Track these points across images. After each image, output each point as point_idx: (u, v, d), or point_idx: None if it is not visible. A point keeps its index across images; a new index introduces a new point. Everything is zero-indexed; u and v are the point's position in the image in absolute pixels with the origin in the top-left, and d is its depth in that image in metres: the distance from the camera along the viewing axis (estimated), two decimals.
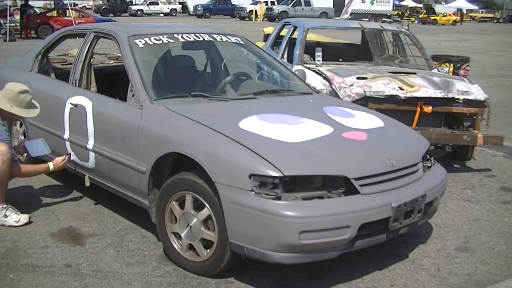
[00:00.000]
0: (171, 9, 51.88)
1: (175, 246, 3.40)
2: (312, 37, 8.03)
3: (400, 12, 50.97)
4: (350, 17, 39.72)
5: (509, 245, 3.90)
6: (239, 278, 3.27)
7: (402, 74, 5.86)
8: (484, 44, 25.54)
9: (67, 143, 4.35)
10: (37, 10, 28.04)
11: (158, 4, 51.23)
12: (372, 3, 44.91)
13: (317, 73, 5.89)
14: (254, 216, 2.91)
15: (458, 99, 5.39)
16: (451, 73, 8.26)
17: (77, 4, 45.39)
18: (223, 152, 3.10)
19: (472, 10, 66.83)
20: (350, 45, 8.76)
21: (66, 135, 4.37)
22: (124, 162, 3.73)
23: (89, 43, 4.49)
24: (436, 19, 48.56)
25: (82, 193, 4.65)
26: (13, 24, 22.51)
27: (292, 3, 43.40)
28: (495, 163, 5.99)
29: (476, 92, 5.49)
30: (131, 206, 3.93)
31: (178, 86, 4.30)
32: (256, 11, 45.32)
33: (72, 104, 4.28)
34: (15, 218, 4.02)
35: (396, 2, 54.05)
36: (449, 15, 51.41)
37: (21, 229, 3.96)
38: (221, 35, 4.72)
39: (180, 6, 54.10)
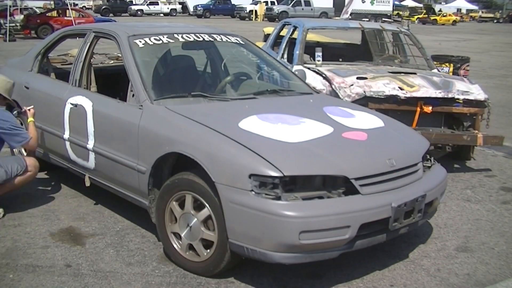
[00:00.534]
0: (171, 9, 51.88)
1: (175, 246, 3.40)
2: (312, 37, 8.03)
3: (400, 12, 50.98)
4: (350, 17, 39.71)
5: (509, 245, 3.90)
6: (239, 278, 3.27)
7: (402, 74, 5.86)
8: (484, 44, 25.54)
9: (67, 143, 4.35)
10: (37, 10, 28.04)
11: (158, 4, 51.22)
12: (372, 3, 44.90)
13: (317, 73, 5.89)
14: (254, 216, 2.91)
15: (458, 99, 5.39)
16: (451, 73, 8.26)
17: (77, 4, 45.34)
18: (223, 152, 3.10)
19: (472, 10, 66.87)
20: (350, 45, 8.76)
21: (66, 135, 4.37)
22: (124, 162, 3.73)
23: (89, 43, 4.49)
24: (436, 19, 48.55)
25: (82, 193, 4.65)
26: (13, 24, 22.50)
27: (292, 3, 43.40)
28: (495, 163, 5.99)
29: (476, 92, 5.49)
30: (131, 206, 3.94)
31: (178, 86, 4.30)
32: (256, 11, 45.32)
33: (72, 104, 4.28)
34: None
35: (396, 2, 54.04)
36: (449, 15, 51.40)
37: (21, 229, 3.96)
38: (221, 35, 4.72)
39: (180, 6, 54.09)
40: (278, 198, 2.91)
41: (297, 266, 3.20)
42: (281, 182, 2.93)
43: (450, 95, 5.37)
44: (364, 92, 5.24)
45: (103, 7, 48.88)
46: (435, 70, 6.71)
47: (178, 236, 3.39)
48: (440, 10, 53.99)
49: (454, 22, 49.21)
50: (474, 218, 4.38)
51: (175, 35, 4.38)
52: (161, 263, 3.47)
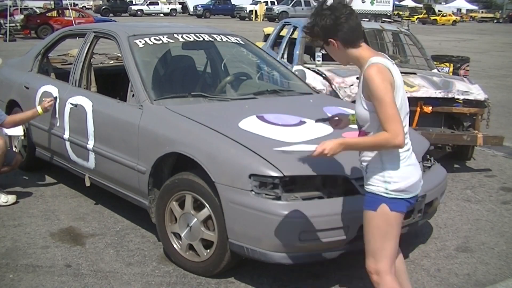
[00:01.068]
0: (171, 9, 51.88)
1: (175, 246, 3.40)
2: None
3: (400, 12, 50.99)
4: None
5: (509, 245, 3.90)
6: (239, 278, 3.27)
7: (402, 74, 5.83)
8: (484, 44, 25.55)
9: (67, 143, 4.35)
10: (37, 10, 28.04)
11: (158, 4, 51.22)
12: (372, 3, 44.88)
13: (317, 73, 5.89)
14: (254, 216, 2.91)
15: (458, 99, 5.39)
16: (451, 73, 8.26)
17: (77, 4, 45.37)
18: (223, 152, 3.10)
19: (472, 10, 66.86)
20: None
21: (66, 135, 4.37)
22: (124, 162, 3.73)
23: (89, 43, 4.49)
24: (436, 19, 48.55)
25: (82, 193, 4.65)
26: (13, 24, 22.50)
27: (292, 3, 43.39)
28: (495, 163, 5.99)
29: (476, 92, 5.49)
30: (131, 206, 3.93)
31: (178, 86, 4.30)
32: (256, 11, 45.31)
33: (72, 104, 4.28)
34: (3, 199, 4.34)
35: (396, 2, 54.04)
36: (449, 15, 51.42)
37: (21, 229, 3.96)
38: (221, 35, 4.72)
39: (180, 6, 54.10)
40: (278, 198, 2.91)
41: (297, 266, 3.20)
42: (281, 182, 2.93)
43: (450, 95, 5.37)
44: None
45: (103, 7, 48.88)
46: (435, 70, 6.71)
47: (178, 236, 3.39)
48: (440, 10, 53.99)
49: (454, 22, 49.21)
50: (474, 218, 4.38)
51: (175, 35, 4.38)
52: (161, 263, 3.47)
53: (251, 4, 47.89)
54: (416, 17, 49.91)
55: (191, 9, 51.26)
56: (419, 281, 3.35)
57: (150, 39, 4.21)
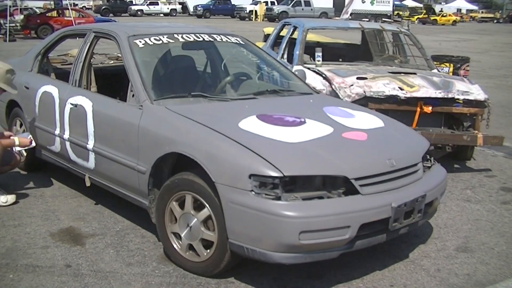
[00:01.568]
0: (171, 9, 51.87)
1: (175, 246, 3.40)
2: (312, 37, 8.03)
3: (400, 12, 50.98)
4: (350, 17, 39.68)
5: (509, 245, 3.90)
6: (239, 278, 3.27)
7: (402, 74, 5.86)
8: (484, 44, 25.54)
9: (67, 143, 4.35)
10: (37, 10, 28.04)
11: (158, 4, 51.22)
12: (372, 3, 44.89)
13: (317, 73, 5.89)
14: (254, 216, 2.91)
15: (458, 99, 5.39)
16: (451, 73, 8.26)
17: (77, 4, 45.36)
18: (223, 152, 3.10)
19: (472, 10, 66.86)
20: (350, 45, 8.76)
21: (66, 135, 4.37)
22: (124, 162, 3.73)
23: (89, 43, 4.49)
24: (436, 19, 48.55)
25: (82, 193, 4.65)
26: (13, 24, 22.50)
27: (292, 3, 43.39)
28: (495, 163, 6.00)
29: (476, 92, 5.49)
30: (131, 206, 3.93)
31: (178, 86, 4.29)
32: (256, 11, 45.31)
33: (72, 104, 4.28)
34: (3, 199, 4.34)
35: (397, 2, 54.02)
36: (449, 15, 51.41)
37: (21, 229, 3.96)
38: (221, 35, 4.72)
39: (180, 6, 54.10)
40: (278, 198, 2.91)
41: (297, 266, 3.20)
42: (281, 182, 2.93)
43: (450, 95, 5.37)
44: (364, 92, 5.24)
45: (103, 7, 48.88)
46: (435, 70, 6.71)
47: (178, 236, 3.39)
48: (441, 10, 53.96)
49: (454, 22, 49.21)
50: (474, 218, 4.38)
51: (175, 35, 4.38)
52: (161, 263, 3.47)
53: (251, 4, 47.89)
54: (416, 17, 49.91)
55: (191, 9, 51.26)
56: (419, 281, 3.35)
57: (150, 39, 4.21)
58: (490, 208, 4.63)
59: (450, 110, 5.44)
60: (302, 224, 2.86)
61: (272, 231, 2.88)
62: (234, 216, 2.99)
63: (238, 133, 3.24)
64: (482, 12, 67.53)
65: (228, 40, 4.76)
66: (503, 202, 4.79)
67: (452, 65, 8.64)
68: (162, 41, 4.27)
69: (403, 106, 5.30)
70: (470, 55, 10.30)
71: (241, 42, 4.80)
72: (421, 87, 5.41)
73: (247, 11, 46.28)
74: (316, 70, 5.97)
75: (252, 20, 44.08)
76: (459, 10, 64.11)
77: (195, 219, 3.25)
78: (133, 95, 3.82)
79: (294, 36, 7.05)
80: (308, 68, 6.14)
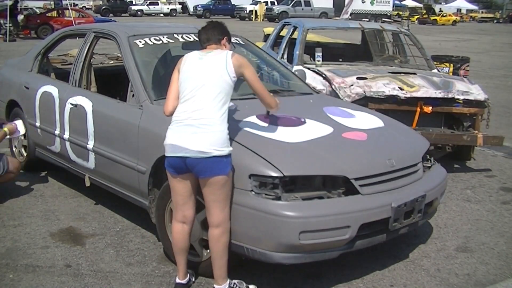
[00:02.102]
0: (171, 9, 51.84)
1: None
2: (312, 37, 8.03)
3: (400, 12, 50.98)
4: (350, 17, 39.68)
5: (509, 245, 3.90)
6: (239, 278, 3.27)
7: (402, 74, 5.86)
8: (484, 44, 25.54)
9: (67, 143, 4.35)
10: (37, 10, 28.03)
11: (158, 4, 51.19)
12: (372, 3, 44.87)
13: (317, 73, 5.89)
14: (254, 216, 2.91)
15: (458, 99, 5.39)
16: (451, 73, 8.26)
17: (77, 4, 45.34)
18: None
19: (472, 10, 66.86)
20: (350, 45, 8.76)
21: (66, 135, 4.37)
22: (124, 162, 3.73)
23: (89, 43, 4.49)
24: (436, 19, 48.55)
25: (82, 193, 4.65)
26: (10, 24, 22.46)
27: (292, 3, 43.38)
28: (495, 163, 5.99)
29: (476, 92, 5.49)
30: (131, 206, 3.93)
31: None
32: (256, 11, 45.29)
33: (72, 104, 4.28)
34: None
35: (397, 2, 54.02)
36: (449, 15, 51.40)
37: (21, 229, 3.96)
38: None
39: (180, 6, 54.05)
40: (278, 198, 2.91)
41: (297, 266, 3.19)
42: (281, 182, 2.93)
43: (450, 95, 5.37)
44: (364, 92, 5.24)
45: (103, 7, 48.85)
46: (435, 70, 6.71)
47: None
48: (440, 10, 53.99)
49: (454, 22, 49.20)
50: (474, 218, 4.38)
51: (175, 35, 4.37)
52: (161, 263, 3.47)
53: (251, 4, 47.87)
54: (416, 17, 49.90)
55: (191, 9, 51.22)
56: (419, 281, 3.35)
57: (150, 39, 4.20)
58: (490, 208, 4.63)
59: (450, 110, 5.44)
60: (302, 224, 2.86)
61: (272, 231, 2.88)
62: (234, 216, 2.99)
63: (238, 133, 3.24)
64: (482, 12, 67.52)
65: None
66: (503, 202, 4.79)
67: (452, 65, 8.64)
68: (162, 41, 4.27)
69: (403, 106, 5.30)
70: (470, 55, 10.30)
71: (241, 42, 4.79)
72: (421, 87, 5.41)
73: (247, 11, 46.26)
74: (316, 70, 5.97)
75: (252, 20, 44.07)
76: (459, 10, 64.11)
77: (195, 219, 3.25)
78: (133, 95, 3.82)
79: (294, 36, 7.05)
80: (308, 68, 6.14)
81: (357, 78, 5.53)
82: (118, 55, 5.88)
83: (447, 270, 3.49)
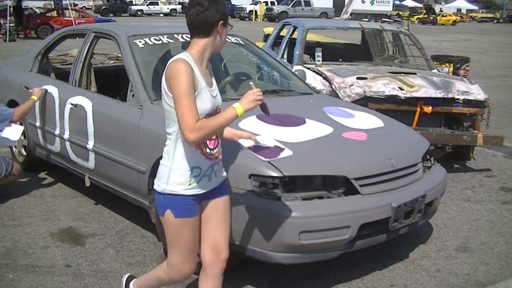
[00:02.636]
0: (171, 9, 51.85)
1: None
2: (312, 37, 8.04)
3: (400, 12, 50.98)
4: (350, 17, 39.65)
5: (509, 245, 3.90)
6: (239, 278, 3.27)
7: (402, 74, 5.86)
8: (484, 44, 25.54)
9: (67, 143, 4.35)
10: (37, 10, 28.03)
11: (158, 4, 51.20)
12: (372, 3, 44.86)
13: (317, 73, 5.89)
14: (254, 216, 2.91)
15: (458, 99, 5.39)
16: (451, 73, 8.26)
17: (77, 4, 45.35)
18: (222, 152, 3.09)
19: (472, 10, 66.87)
20: (350, 45, 8.77)
21: (66, 135, 4.37)
22: (124, 162, 3.73)
23: (89, 43, 4.49)
24: (436, 19, 48.54)
25: (82, 193, 4.65)
26: (13, 24, 22.48)
27: (292, 3, 43.38)
28: (495, 163, 5.99)
29: (476, 92, 5.49)
30: (131, 206, 3.93)
31: None
32: (256, 11, 45.30)
33: (72, 104, 4.28)
34: None
35: (397, 2, 54.01)
36: (449, 15, 51.40)
37: (21, 229, 3.96)
38: None
39: (180, 6, 54.03)
40: (278, 198, 2.91)
41: (297, 266, 3.20)
42: (281, 182, 2.93)
43: (450, 95, 5.37)
44: (364, 92, 5.24)
45: (103, 7, 48.86)
46: (435, 70, 6.71)
47: None
48: (440, 10, 54.02)
49: (454, 22, 49.19)
50: (474, 218, 4.38)
51: (175, 35, 4.37)
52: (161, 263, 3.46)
53: (251, 4, 47.88)
54: (416, 17, 49.89)
55: None
56: (419, 281, 3.35)
57: (150, 39, 4.20)
58: (490, 208, 4.63)
59: (450, 110, 5.44)
60: (302, 224, 2.86)
61: (272, 231, 2.88)
62: (234, 216, 2.98)
63: None
64: (482, 12, 67.52)
65: (228, 40, 4.75)
66: (503, 202, 4.79)
67: (452, 65, 8.64)
68: (162, 41, 4.27)
69: (403, 106, 5.30)
70: (470, 55, 10.30)
71: (241, 42, 4.79)
72: (421, 87, 5.41)
73: (247, 11, 46.26)
74: (316, 70, 5.97)
75: (252, 20, 44.07)
76: (459, 10, 64.12)
77: None
78: (133, 95, 3.82)
79: (294, 36, 7.05)
80: (308, 68, 6.14)
81: (357, 78, 5.53)
82: (118, 55, 5.88)
83: (447, 270, 3.49)
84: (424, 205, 3.34)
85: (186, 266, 2.53)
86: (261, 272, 3.33)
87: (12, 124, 4.53)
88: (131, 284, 2.80)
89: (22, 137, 5.10)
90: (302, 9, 43.05)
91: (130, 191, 3.80)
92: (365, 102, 5.13)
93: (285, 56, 7.06)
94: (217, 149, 2.49)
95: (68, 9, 24.23)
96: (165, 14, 50.44)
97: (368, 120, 3.84)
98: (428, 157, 3.77)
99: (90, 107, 4.10)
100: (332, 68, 6.09)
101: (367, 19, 33.94)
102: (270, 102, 4.03)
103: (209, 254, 2.52)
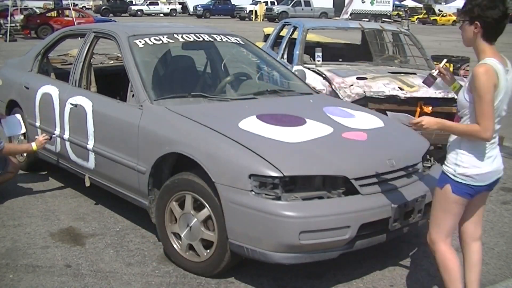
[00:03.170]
0: (171, 9, 51.84)
1: (175, 246, 3.40)
2: (312, 37, 8.03)
3: (400, 12, 50.97)
4: (350, 17, 39.66)
5: (509, 245, 3.90)
6: (239, 278, 3.27)
7: (402, 74, 5.86)
8: None
9: (67, 143, 4.35)
10: (37, 10, 28.04)
11: (158, 4, 51.20)
12: (372, 3, 44.86)
13: (317, 73, 5.89)
14: (254, 216, 2.91)
15: None
16: None
17: (77, 4, 45.34)
18: (223, 152, 3.10)
19: None
20: (350, 45, 8.76)
21: (66, 135, 4.37)
22: (124, 162, 3.73)
23: (89, 43, 4.49)
24: (436, 19, 48.55)
25: (82, 193, 4.65)
26: (13, 24, 22.49)
27: (292, 3, 43.38)
28: None
29: None
30: (131, 206, 3.93)
31: (178, 86, 4.29)
32: (256, 11, 45.28)
33: (72, 104, 4.28)
34: None
35: (397, 2, 54.00)
36: (449, 15, 51.40)
37: (21, 229, 3.96)
38: (221, 35, 4.72)
39: (180, 6, 54.06)
40: (278, 198, 2.91)
41: (297, 266, 3.19)
42: (281, 182, 2.93)
43: (450, 95, 5.36)
44: (364, 92, 5.25)
45: (103, 7, 48.86)
46: None
47: (178, 236, 3.39)
48: (440, 10, 54.02)
49: (454, 22, 49.19)
50: None
51: (175, 35, 4.38)
52: (161, 263, 3.47)
53: (251, 4, 47.85)
54: (416, 17, 49.89)
55: (191, 9, 51.21)
56: (419, 281, 3.35)
57: (150, 39, 4.21)
58: (490, 208, 4.63)
59: (450, 110, 5.44)
60: (302, 224, 2.86)
61: (272, 231, 2.88)
62: (234, 216, 2.99)
63: (238, 133, 3.24)
64: None
65: (228, 40, 4.76)
66: (503, 202, 4.79)
67: (452, 65, 8.64)
68: (162, 41, 4.27)
69: (403, 106, 5.30)
70: (470, 55, 10.26)
71: (241, 42, 4.80)
72: (421, 87, 5.41)
73: (247, 11, 46.24)
74: (316, 70, 5.97)
75: (252, 20, 44.06)
76: (459, 10, 64.07)
77: (195, 219, 3.25)
78: (133, 95, 3.82)
79: (294, 36, 7.04)
80: (308, 68, 6.14)
81: (357, 78, 5.53)
82: (118, 55, 5.88)
83: None
84: (424, 205, 3.34)
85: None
86: (261, 272, 3.33)
87: (7, 117, 4.63)
88: None
89: (22, 137, 5.10)
90: (302, 9, 43.05)
91: (130, 191, 3.80)
92: (365, 102, 5.14)
93: (285, 56, 7.05)
94: None
95: (69, 9, 24.24)
96: (165, 14, 50.44)
97: (368, 120, 3.84)
98: (428, 157, 3.77)
99: (90, 107, 4.10)
100: (332, 68, 6.09)
101: (367, 19, 33.93)
102: (270, 102, 4.07)
103: None
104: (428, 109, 5.32)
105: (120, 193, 3.93)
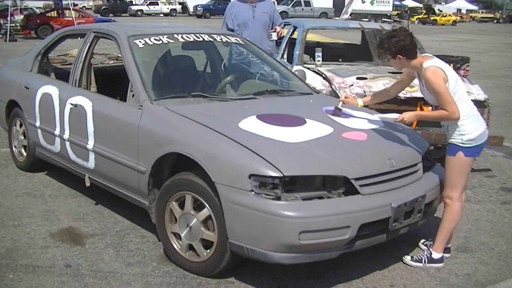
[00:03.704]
0: (171, 9, 51.89)
1: (175, 246, 3.40)
2: (312, 37, 8.03)
3: (400, 12, 50.99)
4: (350, 17, 39.69)
5: (509, 245, 3.90)
6: (239, 278, 3.27)
7: (402, 74, 5.84)
8: (484, 44, 25.54)
9: (67, 143, 4.35)
10: (37, 10, 28.05)
11: (158, 4, 51.24)
12: (372, 3, 44.91)
13: (317, 73, 5.89)
14: (254, 216, 2.91)
15: None
16: None
17: (77, 4, 45.36)
18: (223, 152, 3.10)
19: (472, 10, 66.90)
20: (350, 45, 8.76)
21: (66, 135, 4.37)
22: (124, 162, 3.73)
23: (89, 43, 4.49)
24: (436, 19, 48.57)
25: (82, 193, 4.65)
26: (13, 24, 22.50)
27: (292, 3, 43.40)
28: (495, 163, 5.99)
29: (476, 92, 5.48)
30: (131, 206, 3.93)
31: (178, 86, 4.30)
32: None
33: (72, 104, 4.29)
34: None
35: (397, 3, 54.02)
36: (449, 15, 51.42)
37: (21, 229, 3.96)
38: (221, 35, 4.72)
39: (180, 6, 54.09)
40: (278, 198, 2.91)
41: (297, 266, 3.19)
42: (281, 182, 2.93)
43: None
44: (364, 92, 5.24)
45: (103, 7, 48.89)
46: None
47: (178, 236, 3.39)
48: (440, 10, 54.06)
49: (454, 22, 49.20)
50: (474, 218, 4.38)
51: (175, 35, 4.38)
52: (161, 263, 3.47)
53: None
54: (416, 17, 49.92)
55: (191, 9, 51.23)
56: (419, 281, 3.35)
57: (150, 39, 4.21)
58: (490, 208, 4.63)
59: None
60: (302, 224, 2.86)
61: (272, 231, 2.88)
62: (234, 216, 2.99)
63: (238, 133, 3.24)
64: (482, 12, 67.55)
65: (228, 40, 4.76)
66: (503, 202, 4.79)
67: (452, 65, 8.62)
68: (162, 41, 4.27)
69: (403, 106, 5.29)
70: (470, 55, 10.27)
71: (241, 42, 4.80)
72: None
73: None
74: (316, 70, 5.96)
75: None
76: (459, 10, 64.15)
77: (195, 219, 3.25)
78: (133, 95, 3.82)
79: (294, 36, 7.04)
80: (308, 68, 6.13)
81: (357, 78, 5.52)
82: (118, 55, 5.89)
83: (447, 270, 3.49)
84: (424, 205, 3.34)
85: None
86: (261, 272, 3.33)
87: None
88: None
89: (22, 137, 5.10)
90: (302, 9, 43.08)
91: (130, 191, 3.80)
92: None
93: (285, 56, 7.04)
94: None
95: (69, 9, 24.25)
96: (165, 14, 50.48)
97: (368, 120, 3.84)
98: (428, 157, 3.77)
99: (90, 107, 4.10)
100: (332, 68, 6.09)
101: (367, 19, 33.94)
102: (270, 102, 4.07)
103: None
104: (428, 109, 5.31)
105: (120, 193, 3.93)
